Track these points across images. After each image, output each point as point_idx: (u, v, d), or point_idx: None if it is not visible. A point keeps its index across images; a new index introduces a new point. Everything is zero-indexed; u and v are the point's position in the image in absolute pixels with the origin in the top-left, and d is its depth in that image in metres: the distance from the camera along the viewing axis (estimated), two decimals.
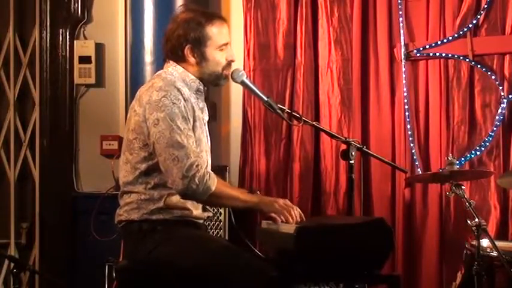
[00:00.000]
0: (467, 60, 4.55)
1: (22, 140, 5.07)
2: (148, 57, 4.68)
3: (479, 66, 4.53)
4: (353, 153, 3.27)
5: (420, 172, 4.54)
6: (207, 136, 3.19)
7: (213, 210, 3.34)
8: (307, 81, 4.81)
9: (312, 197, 4.77)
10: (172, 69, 3.15)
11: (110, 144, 4.96)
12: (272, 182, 4.83)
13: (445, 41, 4.58)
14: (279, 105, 3.22)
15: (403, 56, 4.62)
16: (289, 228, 2.82)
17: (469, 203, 3.49)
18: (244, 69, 4.36)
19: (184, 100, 3.02)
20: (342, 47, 4.78)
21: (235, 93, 4.93)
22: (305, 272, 2.80)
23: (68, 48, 5.04)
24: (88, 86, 5.07)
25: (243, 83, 3.22)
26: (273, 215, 2.95)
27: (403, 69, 4.63)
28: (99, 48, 5.06)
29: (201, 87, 3.16)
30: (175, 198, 3.02)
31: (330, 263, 2.80)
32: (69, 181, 5.02)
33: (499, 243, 3.49)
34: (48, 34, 5.02)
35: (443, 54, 4.58)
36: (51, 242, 5.00)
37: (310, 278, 2.83)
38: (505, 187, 4.32)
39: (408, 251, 4.59)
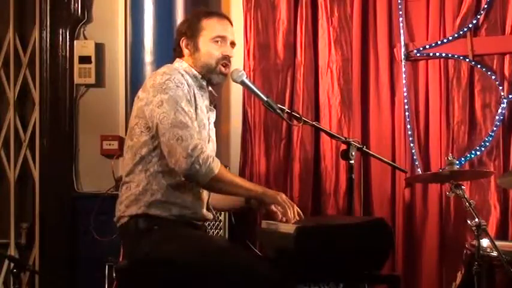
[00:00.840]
0: (467, 60, 4.55)
1: (22, 140, 5.07)
2: (148, 57, 4.68)
3: (479, 66, 4.53)
4: (353, 153, 3.28)
5: (420, 172, 4.54)
6: (210, 136, 3.20)
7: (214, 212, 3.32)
8: (307, 81, 4.81)
9: (312, 197, 4.77)
10: (178, 65, 3.19)
11: (110, 144, 4.96)
12: (272, 182, 4.82)
13: (445, 41, 4.58)
14: (279, 105, 3.21)
15: (403, 56, 4.62)
16: (289, 228, 2.81)
17: (469, 203, 3.49)
18: (244, 69, 4.38)
19: (188, 86, 3.04)
20: (342, 47, 4.78)
21: (235, 93, 4.93)
22: (305, 272, 2.80)
23: (68, 48, 5.04)
24: (88, 86, 5.07)
25: (243, 83, 3.22)
26: (274, 207, 2.95)
27: (403, 69, 4.63)
28: (99, 48, 5.05)
29: (204, 83, 3.17)
30: (176, 195, 3.01)
31: (329, 263, 2.79)
32: (69, 181, 5.02)
33: (499, 243, 3.48)
34: (48, 34, 5.02)
35: (443, 54, 4.58)
36: (51, 242, 4.99)
37: (310, 278, 2.83)
38: (505, 187, 4.32)
39: (408, 251, 4.59)
